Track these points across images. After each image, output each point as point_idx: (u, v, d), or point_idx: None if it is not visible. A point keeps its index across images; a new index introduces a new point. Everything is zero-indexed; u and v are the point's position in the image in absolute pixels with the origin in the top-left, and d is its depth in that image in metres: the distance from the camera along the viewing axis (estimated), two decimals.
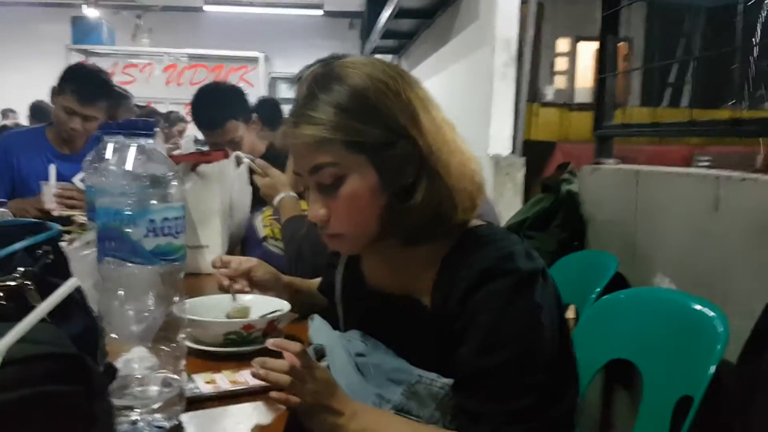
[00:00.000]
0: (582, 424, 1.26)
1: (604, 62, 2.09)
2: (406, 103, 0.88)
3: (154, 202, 0.75)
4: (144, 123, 0.75)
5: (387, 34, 5.62)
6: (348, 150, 0.87)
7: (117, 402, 0.73)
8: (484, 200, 0.97)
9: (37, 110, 6.24)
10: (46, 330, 0.56)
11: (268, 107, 3.70)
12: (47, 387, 0.49)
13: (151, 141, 0.75)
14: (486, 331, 0.83)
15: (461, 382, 0.85)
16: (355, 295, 1.07)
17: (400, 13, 4.70)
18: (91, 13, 7.11)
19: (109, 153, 1.13)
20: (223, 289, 1.23)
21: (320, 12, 7.90)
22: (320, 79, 0.90)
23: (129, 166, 0.74)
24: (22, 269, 0.67)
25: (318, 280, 1.30)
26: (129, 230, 0.73)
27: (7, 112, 7.41)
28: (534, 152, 3.37)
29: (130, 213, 0.73)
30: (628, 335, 1.31)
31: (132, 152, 0.75)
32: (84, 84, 2.32)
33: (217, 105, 2.31)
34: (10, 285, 0.66)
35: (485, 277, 0.84)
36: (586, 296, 1.60)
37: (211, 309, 1.17)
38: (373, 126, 0.86)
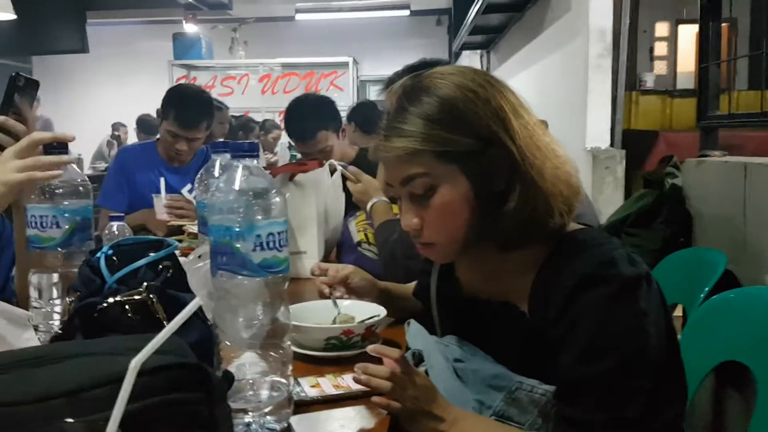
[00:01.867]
0: (691, 429, 1.21)
1: (705, 50, 1.98)
2: (496, 110, 0.88)
3: (260, 218, 0.79)
4: (249, 145, 0.80)
5: (475, 29, 5.56)
6: (439, 160, 0.88)
7: (231, 405, 0.78)
8: (582, 202, 0.95)
9: (143, 123, 6.69)
10: (169, 341, 0.61)
11: (363, 111, 3.77)
12: (173, 395, 0.54)
13: (255, 162, 0.80)
14: (588, 339, 0.81)
15: (563, 389, 0.84)
16: (450, 301, 1.08)
17: (488, 8, 4.64)
18: (190, 28, 7.50)
19: (216, 170, 1.21)
20: (324, 296, 1.28)
21: (407, 12, 7.95)
22: (409, 91, 0.92)
23: (236, 185, 0.79)
24: (146, 284, 0.74)
25: (413, 284, 1.33)
26: (238, 245, 0.78)
27: (118, 126, 7.97)
28: (635, 143, 3.24)
29: (238, 229, 0.78)
30: (739, 336, 1.25)
31: (239, 172, 0.80)
32: (185, 109, 2.46)
33: (307, 117, 2.40)
34: (136, 298, 0.73)
35: (586, 284, 0.82)
36: (694, 295, 1.53)
37: (314, 314, 1.22)
38: (464, 135, 0.87)
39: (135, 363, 0.45)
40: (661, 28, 6.64)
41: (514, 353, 0.92)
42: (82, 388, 0.49)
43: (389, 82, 1.68)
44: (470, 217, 0.90)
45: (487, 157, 0.87)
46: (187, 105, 2.49)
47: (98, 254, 0.77)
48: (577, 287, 0.83)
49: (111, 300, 0.71)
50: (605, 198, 2.95)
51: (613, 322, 0.81)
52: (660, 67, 6.55)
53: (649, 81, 4.99)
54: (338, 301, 1.27)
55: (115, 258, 0.77)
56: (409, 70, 1.69)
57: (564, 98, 3.56)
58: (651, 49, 6.30)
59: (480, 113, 0.88)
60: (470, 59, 7.31)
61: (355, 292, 1.29)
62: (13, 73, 1.15)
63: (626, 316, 0.81)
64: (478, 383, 0.92)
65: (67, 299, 0.86)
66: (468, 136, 0.87)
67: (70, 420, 0.46)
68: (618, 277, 0.82)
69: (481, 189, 0.89)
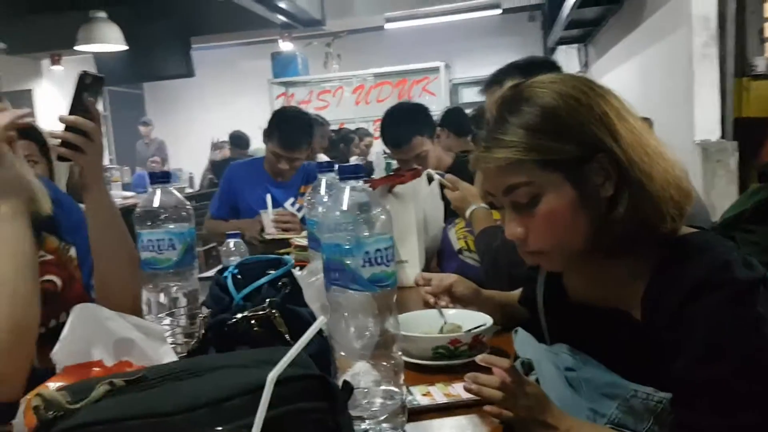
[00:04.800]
0: None
1: None
2: (600, 116, 0.88)
3: (367, 235, 0.84)
4: (355, 167, 0.84)
5: (571, 24, 5.43)
6: (542, 169, 0.88)
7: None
8: (694, 203, 0.93)
9: (235, 139, 7.03)
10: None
11: (454, 116, 3.79)
12: (302, 404, 0.59)
13: (361, 182, 0.85)
14: (704, 344, 0.80)
15: (679, 395, 0.83)
16: (557, 308, 1.08)
17: (584, 2, 4.52)
18: (286, 46, 7.79)
19: (323, 189, 1.28)
20: (429, 305, 1.31)
21: (498, 11, 7.85)
22: (509, 101, 0.93)
23: (344, 205, 0.84)
24: (268, 300, 0.80)
25: (517, 292, 1.33)
26: (349, 261, 0.82)
27: (222, 144, 8.38)
28: (748, 133, 3.05)
29: (348, 246, 0.82)
30: None
31: (347, 193, 0.85)
32: (288, 132, 2.66)
33: (402, 124, 2.46)
34: (260, 314, 0.80)
35: (701, 289, 0.80)
36: None
37: (421, 324, 1.25)
38: (567, 143, 0.87)
39: (273, 375, 0.49)
40: None
41: (626, 360, 0.91)
42: (223, 398, 0.55)
43: (490, 82, 1.68)
44: (578, 223, 0.89)
45: (592, 163, 0.87)
46: (288, 128, 2.67)
47: (225, 273, 0.84)
48: (692, 292, 0.81)
49: (239, 315, 0.77)
50: (718, 193, 2.80)
51: (729, 326, 0.79)
52: None
53: (761, 65, 4.66)
54: (443, 310, 1.29)
55: (240, 276, 0.83)
56: (515, 68, 1.67)
57: (668, 90, 3.41)
58: (761, 31, 5.88)
59: (583, 120, 0.87)
60: (567, 54, 7.12)
61: (459, 300, 1.31)
62: (81, 72, 1.15)
63: (743, 320, 0.79)
64: (592, 392, 0.91)
65: (200, 315, 0.95)
66: (571, 143, 0.87)
67: (218, 428, 0.51)
68: (734, 281, 0.80)
69: (587, 196, 0.88)
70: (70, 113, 1.12)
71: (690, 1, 2.92)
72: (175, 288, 1.16)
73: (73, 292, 1.20)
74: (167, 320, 1.16)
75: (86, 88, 1.14)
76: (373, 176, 4.63)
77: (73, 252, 1.23)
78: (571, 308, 1.03)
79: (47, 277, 1.16)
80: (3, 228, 0.96)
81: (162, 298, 1.16)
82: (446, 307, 1.30)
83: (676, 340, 0.82)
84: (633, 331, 0.90)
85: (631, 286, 0.91)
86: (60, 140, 1.12)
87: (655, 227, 0.87)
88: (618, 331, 0.93)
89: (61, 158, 1.12)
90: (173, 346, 1.04)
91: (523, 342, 1.06)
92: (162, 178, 1.21)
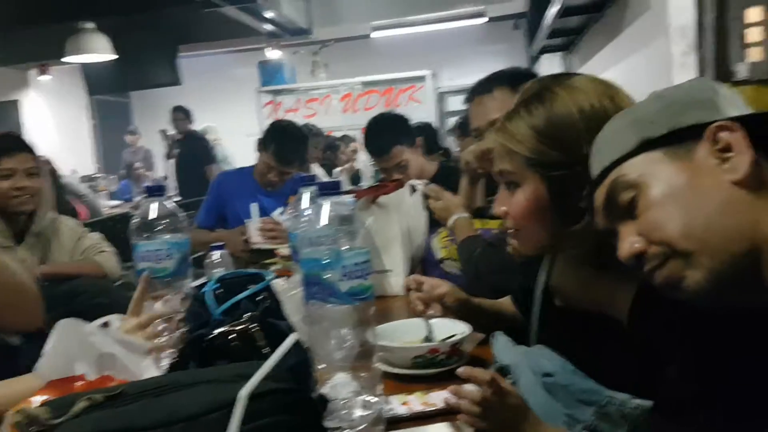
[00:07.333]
0: None
1: None
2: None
3: (345, 249, 0.86)
4: (334, 184, 0.87)
5: (554, 32, 5.48)
6: (526, 164, 0.96)
7: (327, 424, 0.84)
8: None
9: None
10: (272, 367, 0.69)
11: (425, 133, 3.78)
12: (276, 418, 0.61)
13: (340, 198, 0.87)
14: (695, 353, 0.79)
15: (665, 403, 0.83)
16: (547, 312, 1.10)
17: (566, 11, 4.57)
18: (273, 54, 7.80)
19: (305, 202, 1.30)
20: (416, 313, 1.31)
21: (484, 20, 7.90)
22: (529, 96, 1.00)
23: (323, 221, 0.86)
24: (248, 314, 0.82)
25: (506, 299, 1.35)
26: (327, 276, 0.84)
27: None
28: None
29: (326, 261, 0.84)
30: None
31: (326, 209, 0.87)
32: (283, 147, 2.68)
33: (382, 133, 2.49)
34: (239, 328, 0.82)
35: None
36: None
37: (407, 333, 1.27)
38: (556, 150, 0.94)
39: (245, 391, 0.51)
40: (753, 14, 6.25)
41: (612, 366, 0.93)
42: (199, 413, 0.57)
43: (473, 92, 1.70)
44: (545, 222, 0.97)
45: (568, 172, 0.91)
46: (285, 143, 2.70)
47: (205, 289, 0.86)
48: (679, 301, 0.82)
49: (218, 331, 0.79)
50: None
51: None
52: (754, 54, 6.15)
53: (742, 71, 4.72)
54: (430, 320, 1.28)
55: (219, 291, 0.85)
56: (500, 78, 1.67)
57: None
58: (742, 37, 5.95)
59: (578, 136, 0.92)
60: (551, 62, 7.18)
61: (449, 310, 1.31)
62: None
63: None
64: (568, 397, 0.93)
65: (179, 330, 0.96)
66: (560, 151, 0.94)
67: None
68: None
69: (559, 201, 0.93)
70: None
71: (668, 10, 2.97)
72: (170, 296, 1.19)
73: None
74: (163, 326, 1.18)
75: None
76: (361, 183, 4.66)
77: None
78: (560, 313, 1.06)
79: None
80: None
81: (159, 306, 1.19)
82: (434, 316, 1.29)
83: (665, 348, 0.83)
84: (619, 337, 0.93)
85: (619, 292, 0.93)
86: None
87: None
88: (605, 337, 0.95)
89: None
90: (167, 353, 1.06)
91: (503, 347, 1.07)
92: (157, 190, 1.26)
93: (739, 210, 0.68)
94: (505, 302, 1.38)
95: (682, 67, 2.98)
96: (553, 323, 1.07)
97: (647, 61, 3.54)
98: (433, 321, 1.31)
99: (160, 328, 1.10)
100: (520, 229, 1.01)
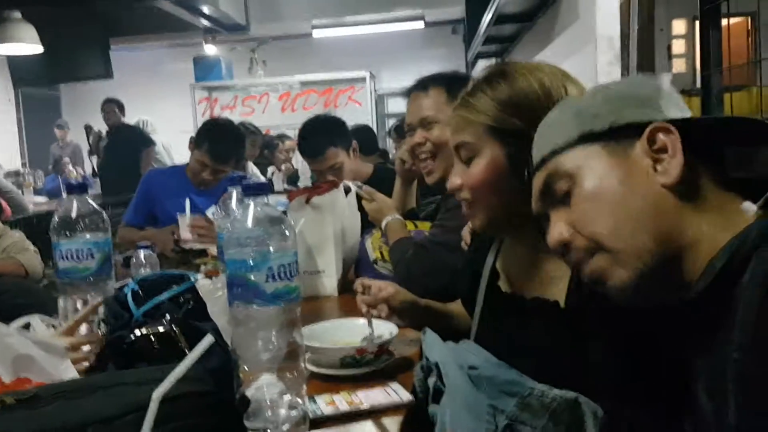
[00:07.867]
0: None
1: (707, 56, 1.92)
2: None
3: (271, 250, 0.86)
4: (260, 185, 0.87)
5: (489, 39, 5.61)
6: (487, 134, 1.01)
7: (251, 425, 0.85)
8: None
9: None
10: (190, 369, 0.69)
11: (362, 134, 3.81)
12: (192, 420, 0.61)
13: (266, 199, 0.88)
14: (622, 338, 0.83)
15: (598, 385, 0.86)
16: (492, 296, 1.14)
17: (500, 19, 4.68)
18: (210, 50, 7.65)
19: (234, 201, 1.30)
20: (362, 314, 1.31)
21: (422, 24, 8.01)
22: (491, 74, 1.05)
23: (249, 222, 0.86)
24: (169, 317, 0.82)
25: (456, 302, 1.37)
26: (252, 277, 0.85)
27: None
28: None
29: (252, 263, 0.85)
30: None
31: (251, 210, 0.87)
32: (218, 144, 2.63)
33: (316, 135, 2.49)
34: (160, 330, 0.81)
35: None
36: None
37: (336, 333, 1.27)
38: (517, 119, 0.98)
39: (157, 394, 0.51)
40: (679, 26, 6.56)
41: (547, 349, 0.96)
42: (114, 416, 0.56)
43: (414, 87, 1.72)
44: (501, 188, 1.01)
45: (528, 144, 0.90)
46: (221, 140, 2.65)
47: (125, 289, 0.85)
48: None
49: (138, 332, 0.78)
50: None
51: None
52: (679, 65, 6.45)
53: (665, 82, 4.94)
54: (373, 320, 1.28)
55: (140, 292, 0.84)
56: (439, 78, 1.71)
57: None
58: (668, 47, 6.23)
59: (539, 107, 0.95)
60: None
61: (396, 312, 1.33)
62: None
63: None
64: (492, 389, 0.96)
65: (100, 330, 0.95)
66: (520, 119, 0.98)
67: None
68: None
69: (514, 169, 0.97)
70: None
71: (595, 21, 3.09)
72: (91, 297, 1.17)
73: None
74: (84, 328, 1.16)
75: None
76: (298, 183, 4.62)
77: None
78: (505, 297, 1.10)
79: None
80: None
81: (80, 306, 1.18)
82: (378, 317, 1.29)
83: (595, 330, 0.87)
84: (557, 318, 0.97)
85: (561, 276, 0.98)
86: None
87: None
88: (543, 319, 0.99)
89: None
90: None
91: (431, 343, 1.10)
92: (79, 188, 1.23)
93: (667, 214, 0.70)
94: (454, 305, 1.41)
95: (608, 76, 3.10)
96: (496, 308, 1.11)
97: (576, 71, 3.66)
98: (362, 322, 1.32)
99: (83, 331, 1.08)
100: (475, 200, 1.04)
